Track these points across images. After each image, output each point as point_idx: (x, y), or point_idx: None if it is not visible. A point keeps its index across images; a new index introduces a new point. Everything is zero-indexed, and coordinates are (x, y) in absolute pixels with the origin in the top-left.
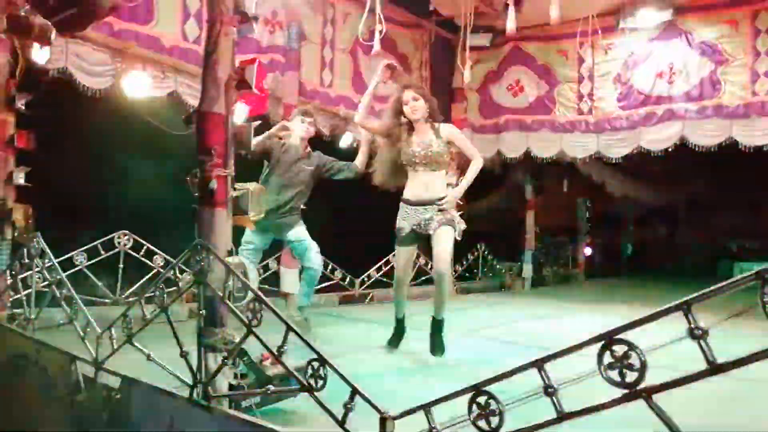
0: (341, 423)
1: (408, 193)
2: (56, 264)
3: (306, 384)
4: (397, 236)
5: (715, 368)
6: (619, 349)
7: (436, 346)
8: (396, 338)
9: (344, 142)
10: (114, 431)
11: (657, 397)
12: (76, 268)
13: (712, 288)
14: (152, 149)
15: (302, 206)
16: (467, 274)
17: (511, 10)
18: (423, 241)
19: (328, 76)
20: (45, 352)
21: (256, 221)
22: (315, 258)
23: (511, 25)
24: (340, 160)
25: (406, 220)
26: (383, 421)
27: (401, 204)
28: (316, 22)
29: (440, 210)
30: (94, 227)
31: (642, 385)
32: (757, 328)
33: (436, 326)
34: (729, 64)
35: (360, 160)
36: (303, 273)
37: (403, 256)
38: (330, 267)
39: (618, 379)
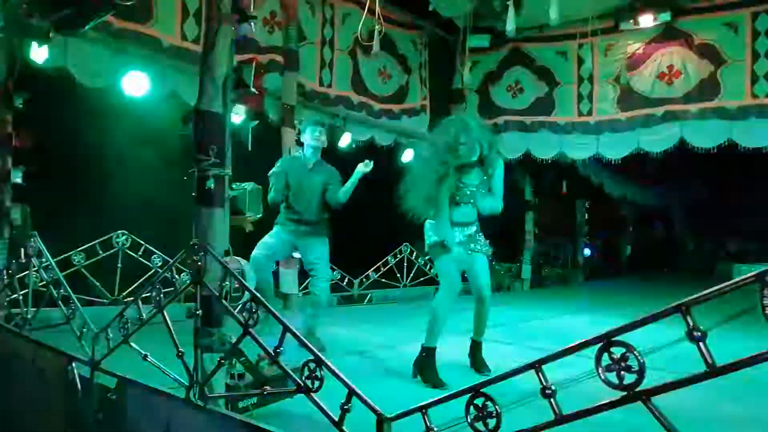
0: (338, 424)
1: (454, 217)
2: (53, 263)
3: (303, 385)
4: (435, 249)
5: (714, 371)
6: (618, 351)
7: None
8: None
9: (343, 142)
10: None
11: (655, 399)
12: (74, 268)
13: (711, 290)
14: (151, 149)
15: (324, 218)
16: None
17: (511, 11)
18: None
19: (328, 77)
20: (41, 352)
21: (280, 230)
22: (324, 284)
23: (510, 26)
24: (339, 161)
25: (450, 235)
26: (380, 422)
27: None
28: (316, 23)
29: (478, 232)
30: (93, 227)
31: (640, 387)
32: (755, 329)
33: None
34: (728, 65)
35: (344, 191)
36: (310, 295)
37: (452, 266)
38: None
39: (616, 381)
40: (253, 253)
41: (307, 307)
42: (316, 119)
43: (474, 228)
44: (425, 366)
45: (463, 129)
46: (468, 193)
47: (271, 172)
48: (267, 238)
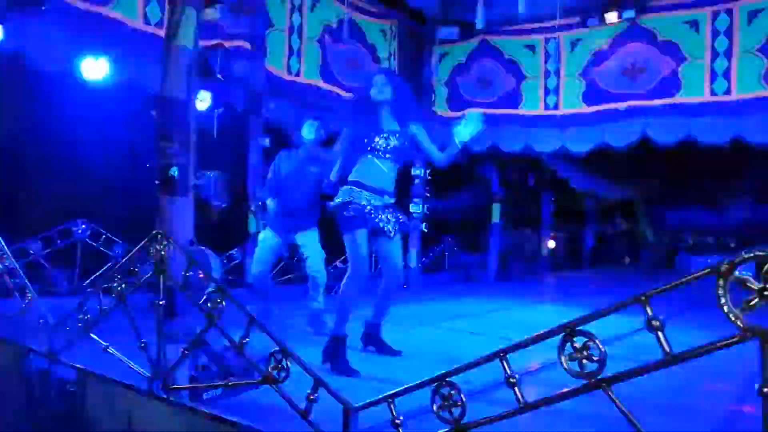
0: (305, 415)
1: (363, 178)
2: (8, 252)
3: (269, 375)
4: (348, 221)
5: (671, 358)
6: (580, 341)
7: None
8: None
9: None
10: (69, 425)
11: (618, 387)
12: (30, 257)
13: (672, 282)
14: (111, 135)
15: (314, 209)
16: (433, 266)
17: (480, 3)
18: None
19: (296, 64)
20: None
21: (273, 223)
22: (322, 267)
23: (480, 18)
24: None
25: (355, 204)
26: (347, 412)
27: (351, 188)
28: (283, 10)
29: (395, 209)
30: (50, 215)
31: (601, 376)
32: (710, 319)
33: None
34: (689, 63)
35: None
36: (309, 280)
37: (364, 242)
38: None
39: (578, 369)
40: (254, 272)
41: (313, 293)
42: (312, 120)
43: (393, 199)
44: (335, 354)
45: (378, 72)
46: (386, 140)
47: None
48: (261, 254)
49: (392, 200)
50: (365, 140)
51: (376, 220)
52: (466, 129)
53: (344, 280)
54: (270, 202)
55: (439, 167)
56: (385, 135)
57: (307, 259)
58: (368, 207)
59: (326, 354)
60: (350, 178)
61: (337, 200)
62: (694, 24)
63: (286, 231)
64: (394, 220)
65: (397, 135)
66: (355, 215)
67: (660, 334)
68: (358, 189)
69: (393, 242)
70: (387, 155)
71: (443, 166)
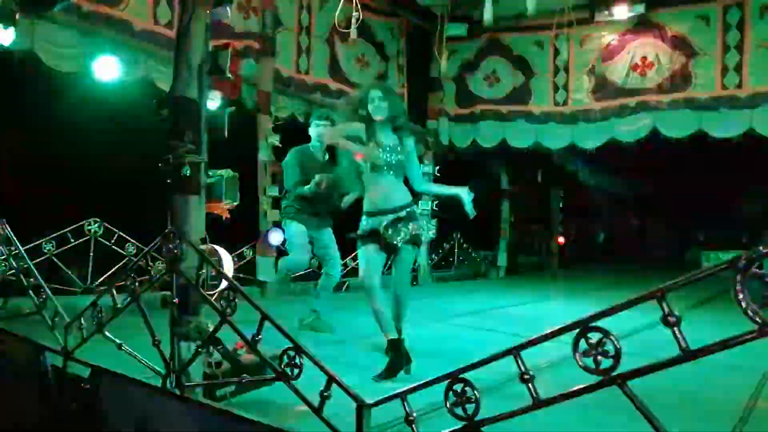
0: (318, 411)
1: (373, 205)
2: (23, 252)
3: (282, 373)
4: (361, 237)
5: (688, 355)
6: (594, 337)
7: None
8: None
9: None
10: (84, 422)
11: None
12: (45, 256)
13: (687, 276)
14: (124, 134)
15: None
16: (443, 263)
17: (489, 0)
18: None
19: (305, 63)
20: (12, 342)
21: (301, 220)
22: (339, 266)
23: (488, 15)
24: None
25: (371, 221)
26: (360, 409)
27: (364, 217)
28: (292, 9)
29: (408, 217)
30: (64, 214)
31: (616, 372)
32: (724, 314)
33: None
34: (700, 57)
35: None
36: (322, 278)
37: (372, 253)
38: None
39: (593, 366)
40: (298, 258)
41: (322, 291)
42: (320, 113)
43: (396, 214)
44: (396, 355)
45: (373, 87)
46: (387, 155)
47: (284, 162)
48: (302, 239)
49: (405, 213)
50: (365, 157)
51: (387, 235)
52: (467, 205)
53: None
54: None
55: (420, 193)
56: (386, 150)
57: (330, 259)
58: (381, 226)
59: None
60: (364, 206)
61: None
62: (705, 18)
63: (313, 227)
64: (405, 231)
65: (398, 149)
66: (366, 234)
67: (676, 329)
68: (372, 218)
69: (403, 253)
70: (386, 170)
71: (419, 191)
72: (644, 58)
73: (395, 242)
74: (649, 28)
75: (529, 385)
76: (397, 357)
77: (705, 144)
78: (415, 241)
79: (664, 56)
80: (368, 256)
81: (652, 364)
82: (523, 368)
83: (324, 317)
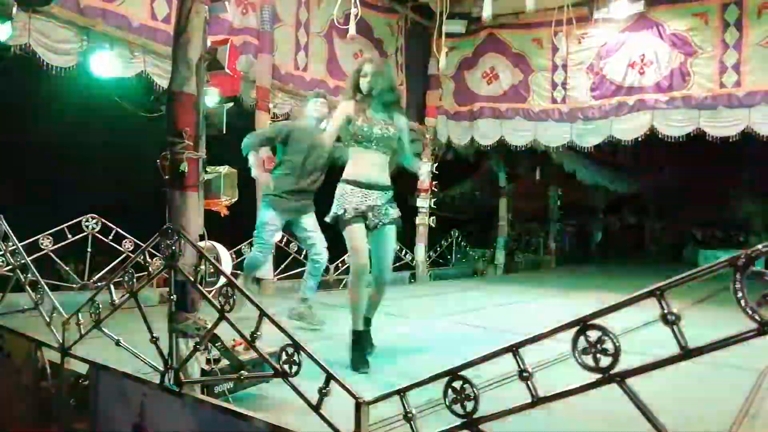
0: (316, 408)
1: (355, 174)
2: (20, 247)
3: (280, 369)
4: (340, 219)
5: (687, 353)
6: (593, 334)
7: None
8: (362, 356)
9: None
10: (82, 418)
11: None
12: (42, 252)
13: (685, 274)
14: (120, 130)
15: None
16: (440, 261)
17: None
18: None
19: (303, 60)
20: (10, 337)
21: (279, 202)
22: (324, 251)
23: (486, 12)
24: None
25: (350, 204)
26: (358, 406)
27: (344, 185)
28: (291, 4)
29: (390, 202)
30: (61, 210)
31: (615, 370)
32: (721, 312)
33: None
34: (698, 55)
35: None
36: (309, 264)
37: (361, 235)
38: (304, 253)
39: (592, 363)
40: (256, 254)
41: (310, 278)
42: (318, 92)
43: (386, 195)
44: (354, 348)
45: (367, 61)
46: (376, 129)
47: (274, 124)
48: (265, 235)
49: (386, 192)
50: (350, 129)
51: (370, 215)
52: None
53: (350, 276)
54: (252, 158)
55: (407, 169)
56: (370, 123)
57: (314, 244)
58: (363, 205)
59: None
60: (344, 174)
61: (335, 204)
62: (704, 16)
63: (292, 211)
64: (385, 213)
65: (384, 123)
66: (351, 214)
67: (675, 328)
68: (350, 187)
69: (384, 236)
70: (374, 145)
71: (409, 169)
72: (643, 56)
73: (383, 222)
74: (648, 26)
75: (528, 382)
76: (363, 349)
77: (703, 142)
78: (396, 224)
79: (663, 54)
80: (359, 236)
81: (652, 363)
82: (522, 366)
83: (315, 309)
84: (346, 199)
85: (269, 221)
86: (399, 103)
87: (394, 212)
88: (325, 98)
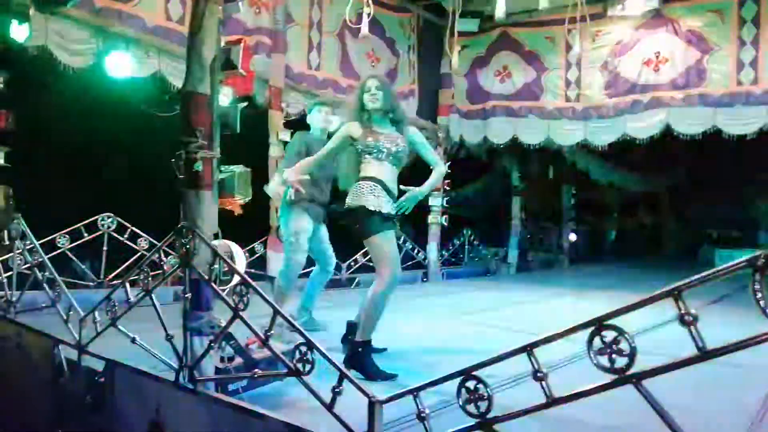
0: (330, 407)
1: (381, 176)
2: (38, 246)
3: (294, 368)
4: (375, 219)
5: (704, 354)
6: (609, 335)
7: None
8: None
9: (332, 126)
10: (98, 415)
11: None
12: (59, 251)
13: (704, 274)
14: (135, 130)
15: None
16: (453, 260)
17: None
18: None
19: (316, 59)
20: (27, 335)
21: (313, 207)
22: (334, 262)
23: (500, 10)
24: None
25: (384, 207)
26: (371, 405)
27: (373, 184)
28: (303, 4)
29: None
30: (77, 209)
31: (631, 371)
32: (738, 313)
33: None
34: (714, 53)
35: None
36: (321, 275)
37: (394, 241)
38: None
39: (608, 364)
40: (296, 262)
41: (317, 287)
42: (321, 101)
43: (399, 204)
44: (364, 360)
45: (370, 77)
46: (385, 145)
47: (289, 143)
48: (303, 241)
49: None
50: (356, 147)
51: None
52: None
53: (375, 284)
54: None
55: (439, 168)
56: (377, 140)
57: (330, 256)
58: (393, 210)
59: (352, 361)
60: (367, 172)
61: (359, 199)
62: (720, 13)
63: (319, 219)
64: (396, 222)
65: (392, 138)
66: (384, 218)
67: (693, 328)
68: (380, 188)
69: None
70: (389, 159)
71: (443, 169)
72: (658, 53)
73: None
74: (663, 23)
75: (543, 383)
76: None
77: (719, 140)
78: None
79: (678, 51)
80: (395, 244)
81: (669, 364)
82: (536, 366)
83: (316, 315)
84: (379, 199)
85: (307, 226)
86: (405, 120)
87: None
88: (329, 106)
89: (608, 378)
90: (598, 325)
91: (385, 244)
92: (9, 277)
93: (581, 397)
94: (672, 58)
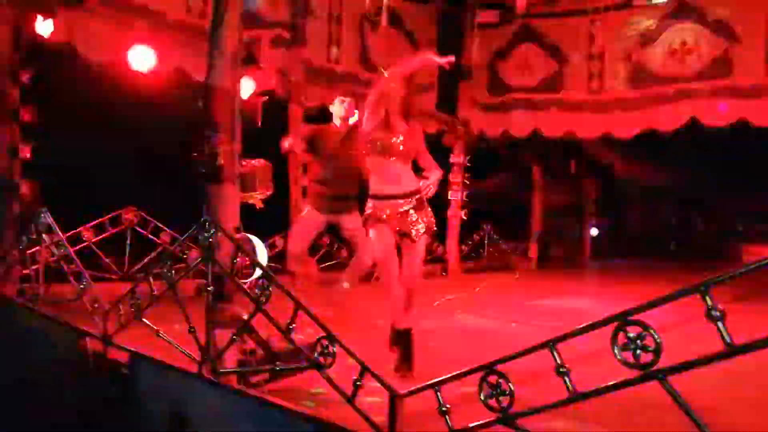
0: (351, 400)
1: (379, 189)
2: (64, 239)
3: (315, 361)
4: (371, 221)
5: (732, 350)
6: (634, 330)
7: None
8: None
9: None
10: (121, 406)
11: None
12: (84, 244)
13: (733, 271)
14: (158, 124)
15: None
16: (472, 254)
17: None
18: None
19: (335, 52)
20: (54, 327)
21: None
22: (364, 249)
23: (521, 1)
24: None
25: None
26: (393, 398)
27: (373, 203)
28: None
29: (418, 206)
30: (101, 203)
31: (656, 367)
32: (763, 308)
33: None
34: (742, 42)
35: None
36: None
37: (387, 236)
38: (336, 246)
39: (632, 360)
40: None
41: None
42: (341, 96)
43: (410, 202)
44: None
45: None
46: (397, 140)
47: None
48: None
49: (415, 200)
50: (372, 140)
51: (403, 225)
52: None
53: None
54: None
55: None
56: (398, 136)
57: (358, 243)
58: (391, 212)
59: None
60: (370, 189)
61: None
62: (747, 2)
63: (333, 212)
64: (417, 221)
65: (404, 135)
66: (377, 218)
67: (720, 324)
68: (379, 202)
69: (418, 243)
70: (395, 156)
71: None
72: (683, 43)
73: (413, 234)
74: (689, 13)
75: (565, 378)
76: (408, 348)
77: (748, 133)
78: (427, 230)
79: (704, 42)
80: (386, 241)
81: (695, 360)
82: (559, 361)
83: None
84: (375, 209)
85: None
86: (417, 115)
87: (426, 217)
88: (350, 98)
89: (633, 373)
90: (623, 320)
91: (377, 240)
92: (36, 270)
93: (604, 392)
94: (698, 48)
